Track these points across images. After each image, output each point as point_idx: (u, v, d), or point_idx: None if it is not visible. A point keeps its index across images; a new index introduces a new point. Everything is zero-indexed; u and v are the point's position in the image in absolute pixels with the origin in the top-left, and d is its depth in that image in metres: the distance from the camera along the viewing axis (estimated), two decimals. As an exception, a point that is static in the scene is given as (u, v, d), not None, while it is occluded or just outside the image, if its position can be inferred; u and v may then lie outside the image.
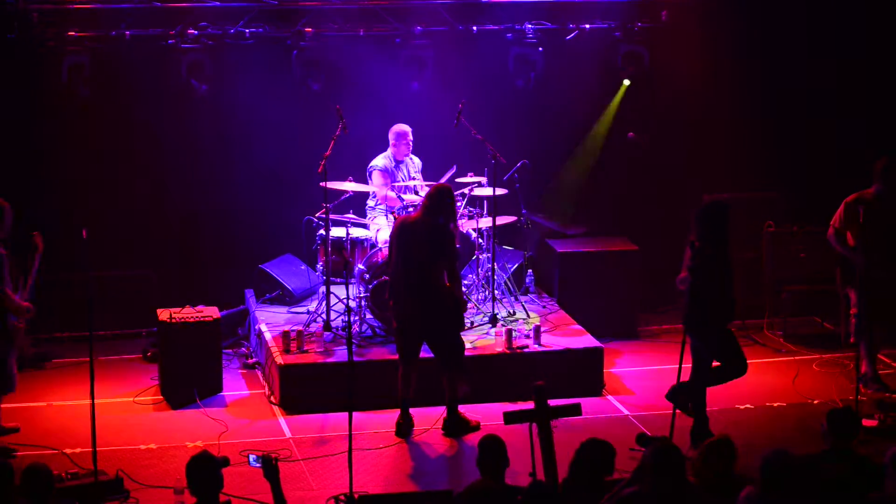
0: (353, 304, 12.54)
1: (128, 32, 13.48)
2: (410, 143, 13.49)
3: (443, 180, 13.13)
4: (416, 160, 13.67)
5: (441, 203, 11.21)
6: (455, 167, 13.37)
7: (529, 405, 8.75)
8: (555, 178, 15.17)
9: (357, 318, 12.66)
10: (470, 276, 13.35)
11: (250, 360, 13.18)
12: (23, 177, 13.86)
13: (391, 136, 13.48)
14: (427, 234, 11.18)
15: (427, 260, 11.18)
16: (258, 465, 7.82)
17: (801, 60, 14.97)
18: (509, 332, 12.39)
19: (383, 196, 13.34)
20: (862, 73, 15.04)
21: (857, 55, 14.96)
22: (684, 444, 10.74)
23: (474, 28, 14.32)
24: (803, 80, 15.06)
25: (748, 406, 11.98)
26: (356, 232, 13.12)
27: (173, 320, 12.21)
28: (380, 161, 13.48)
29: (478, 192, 13.31)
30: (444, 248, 11.19)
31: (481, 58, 14.50)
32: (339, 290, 12.96)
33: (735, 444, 7.92)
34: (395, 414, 11.54)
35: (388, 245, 12.75)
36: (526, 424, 8.59)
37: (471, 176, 13.22)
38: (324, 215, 12.78)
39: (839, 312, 13.35)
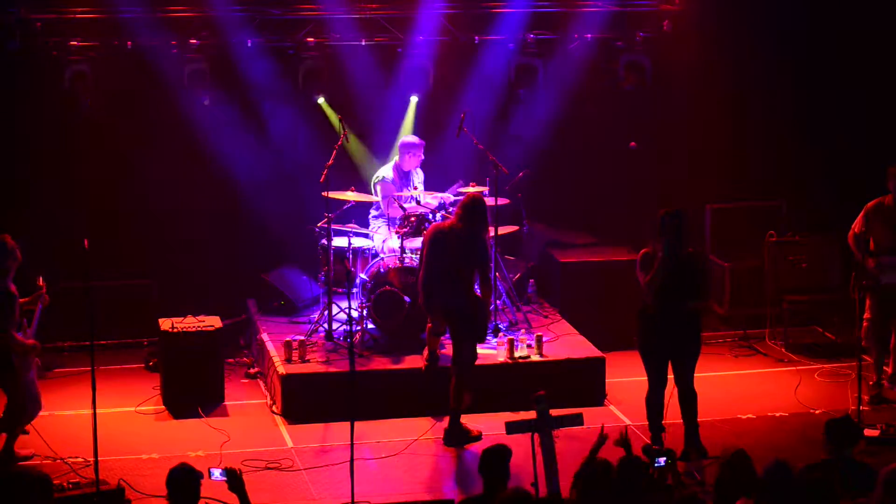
0: (354, 313, 12.54)
1: (130, 42, 13.50)
2: (421, 156, 13.45)
3: (449, 192, 13.20)
4: (420, 172, 13.66)
5: (475, 212, 11.25)
6: (461, 181, 13.38)
7: (531, 415, 8.75)
8: (557, 188, 15.15)
9: (359, 327, 12.66)
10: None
11: (252, 370, 13.17)
12: (24, 184, 13.89)
13: (401, 147, 13.43)
14: (460, 242, 11.21)
15: (459, 267, 11.23)
16: (223, 478, 7.74)
17: (803, 68, 14.97)
18: (511, 341, 12.38)
19: (386, 205, 13.31)
20: (863, 79, 15.03)
21: (858, 59, 14.95)
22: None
23: (476, 38, 14.33)
24: (805, 88, 15.05)
25: (750, 416, 11.96)
26: (358, 241, 13.12)
27: (175, 330, 12.20)
28: (383, 172, 13.46)
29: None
30: (476, 256, 11.24)
31: (483, 67, 14.51)
32: (341, 300, 12.96)
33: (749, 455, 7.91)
34: (396, 423, 11.63)
35: (392, 254, 12.78)
36: (528, 434, 8.59)
37: (472, 186, 13.21)
38: (326, 225, 12.77)
39: (843, 319, 13.37)
